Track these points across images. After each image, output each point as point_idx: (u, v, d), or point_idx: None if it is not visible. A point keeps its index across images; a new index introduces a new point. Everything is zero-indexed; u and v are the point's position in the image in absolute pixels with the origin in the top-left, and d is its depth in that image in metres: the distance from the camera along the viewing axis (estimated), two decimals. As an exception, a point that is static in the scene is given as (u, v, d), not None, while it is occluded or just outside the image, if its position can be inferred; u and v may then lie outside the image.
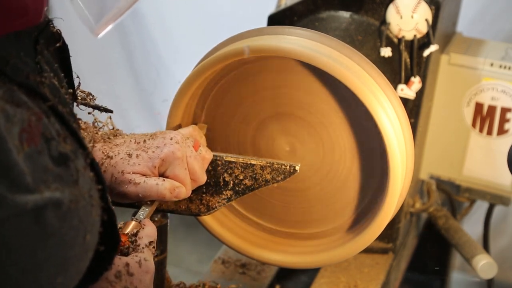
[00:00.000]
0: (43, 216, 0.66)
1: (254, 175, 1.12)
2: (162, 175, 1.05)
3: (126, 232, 0.96)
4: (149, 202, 1.04)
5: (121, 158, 1.03)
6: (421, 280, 1.82)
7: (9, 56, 0.71)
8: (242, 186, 1.13)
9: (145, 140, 1.06)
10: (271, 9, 1.40)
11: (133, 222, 0.98)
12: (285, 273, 1.45)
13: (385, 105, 1.07)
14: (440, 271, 1.82)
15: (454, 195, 1.55)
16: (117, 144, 1.06)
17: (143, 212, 1.02)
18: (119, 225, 0.95)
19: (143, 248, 0.93)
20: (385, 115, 1.05)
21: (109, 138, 1.07)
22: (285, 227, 1.22)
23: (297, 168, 1.14)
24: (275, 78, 1.14)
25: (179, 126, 1.16)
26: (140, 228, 0.97)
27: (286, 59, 1.08)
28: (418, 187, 1.54)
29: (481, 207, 1.83)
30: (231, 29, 1.19)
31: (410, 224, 1.55)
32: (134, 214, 1.01)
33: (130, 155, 1.04)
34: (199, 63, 1.14)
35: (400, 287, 1.50)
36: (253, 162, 1.13)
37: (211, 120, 1.19)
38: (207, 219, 1.19)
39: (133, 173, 1.03)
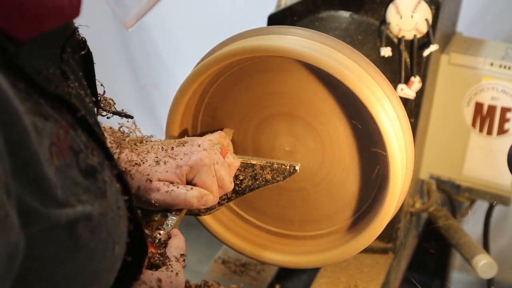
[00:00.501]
0: (75, 230, 0.66)
1: (254, 175, 1.13)
2: (189, 182, 1.04)
3: (155, 243, 0.96)
4: (177, 211, 1.04)
5: (149, 165, 1.03)
6: (421, 280, 1.82)
7: (39, 65, 0.70)
8: (242, 186, 1.13)
9: (172, 147, 1.06)
10: (271, 9, 1.40)
11: (161, 232, 0.98)
12: (285, 273, 1.45)
13: (385, 105, 1.07)
14: (440, 271, 1.82)
15: (454, 195, 1.55)
16: (144, 151, 1.05)
17: (171, 222, 1.02)
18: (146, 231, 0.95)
19: (173, 261, 0.92)
20: (385, 115, 1.05)
21: (135, 144, 1.06)
22: (285, 227, 1.22)
23: (297, 168, 1.14)
24: (275, 78, 1.14)
25: (179, 126, 1.16)
26: (169, 238, 0.97)
27: (286, 59, 1.08)
28: (418, 187, 1.54)
29: (481, 207, 1.83)
30: (231, 29, 1.19)
31: (410, 224, 1.55)
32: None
33: (157, 162, 1.03)
34: (199, 63, 1.14)
35: (400, 287, 1.50)
36: (253, 162, 1.13)
37: (211, 120, 1.19)
38: (207, 219, 1.19)
39: (160, 180, 1.02)
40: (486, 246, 1.70)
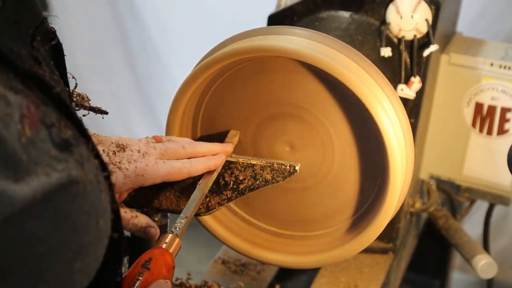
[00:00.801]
0: (52, 200, 0.66)
1: (254, 175, 1.12)
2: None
3: (164, 246, 0.96)
4: (185, 216, 1.04)
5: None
6: (421, 280, 1.82)
7: (12, 45, 0.71)
8: (242, 186, 1.13)
9: (114, 151, 1.04)
10: (271, 9, 1.40)
11: (170, 235, 0.98)
12: (285, 273, 1.45)
13: (385, 105, 1.07)
14: (440, 271, 1.82)
15: (454, 195, 1.55)
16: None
17: (179, 225, 1.01)
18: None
19: None
20: (385, 115, 1.05)
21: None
22: (285, 227, 1.22)
23: (297, 168, 1.14)
24: (275, 78, 1.14)
25: (179, 126, 1.16)
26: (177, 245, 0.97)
27: (286, 59, 1.08)
28: (418, 187, 1.54)
29: (481, 207, 1.84)
30: (231, 29, 1.19)
31: (410, 224, 1.55)
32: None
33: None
34: (199, 63, 1.14)
35: (400, 287, 1.50)
36: (253, 162, 1.13)
37: (211, 120, 1.19)
38: (207, 219, 1.19)
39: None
40: (486, 246, 1.70)
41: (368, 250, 1.37)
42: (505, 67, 1.43)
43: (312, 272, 1.40)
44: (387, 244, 1.43)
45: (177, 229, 1.00)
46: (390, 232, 1.42)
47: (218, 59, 1.08)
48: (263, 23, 1.37)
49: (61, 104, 0.73)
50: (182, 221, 1.02)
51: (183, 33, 2.55)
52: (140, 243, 1.14)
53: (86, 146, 0.73)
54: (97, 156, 0.76)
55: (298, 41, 1.08)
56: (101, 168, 0.75)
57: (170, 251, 0.96)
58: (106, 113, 1.03)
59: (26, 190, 0.63)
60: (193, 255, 1.62)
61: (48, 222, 0.66)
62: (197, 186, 1.09)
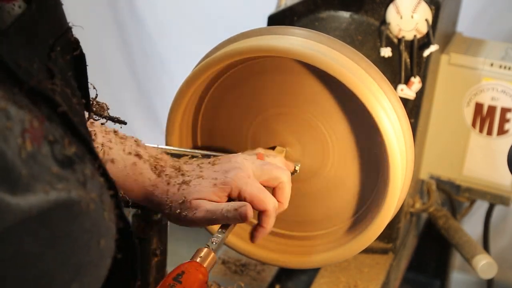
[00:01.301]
0: (49, 218, 0.64)
1: (254, 175, 1.12)
2: (236, 199, 1.05)
3: (198, 260, 0.95)
4: (223, 229, 1.03)
5: (193, 184, 1.04)
6: (421, 280, 1.82)
7: (21, 59, 0.70)
8: (242, 186, 1.13)
9: (209, 164, 1.07)
10: (271, 9, 1.40)
11: (205, 249, 0.98)
12: (285, 273, 1.45)
13: (385, 105, 1.07)
14: (440, 271, 1.82)
15: (454, 195, 1.55)
16: (189, 170, 1.07)
17: (216, 239, 1.01)
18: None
19: None
20: (385, 115, 1.05)
21: (185, 163, 1.09)
22: (285, 227, 1.22)
23: (297, 168, 1.14)
24: (275, 78, 1.14)
25: (179, 126, 1.16)
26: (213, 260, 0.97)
27: (286, 59, 1.08)
28: (418, 187, 1.54)
29: (481, 207, 1.83)
30: (231, 29, 1.19)
31: (410, 224, 1.55)
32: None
33: (198, 182, 1.04)
34: (199, 63, 1.14)
35: (400, 287, 1.50)
36: (253, 162, 1.13)
37: (211, 120, 1.19)
38: (207, 219, 1.19)
39: (199, 199, 1.03)
40: (486, 246, 1.70)
41: (368, 250, 1.37)
42: (505, 67, 1.43)
43: (312, 272, 1.40)
44: (387, 244, 1.43)
45: (214, 243, 1.00)
46: (390, 232, 1.42)
47: (218, 59, 1.08)
48: (263, 23, 1.37)
49: (67, 121, 0.72)
50: (219, 235, 1.02)
51: (183, 33, 2.55)
52: (140, 243, 1.14)
53: (91, 164, 0.72)
54: (104, 174, 0.75)
55: (298, 41, 1.08)
56: (107, 187, 0.74)
57: (204, 265, 0.96)
58: (124, 123, 1.04)
59: (22, 204, 0.62)
60: (193, 255, 1.62)
61: (44, 241, 0.65)
62: None
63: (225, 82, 1.16)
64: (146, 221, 1.17)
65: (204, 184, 1.04)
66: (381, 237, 1.22)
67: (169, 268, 1.20)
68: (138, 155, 1.06)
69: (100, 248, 0.71)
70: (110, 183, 0.75)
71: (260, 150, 1.14)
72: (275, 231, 1.22)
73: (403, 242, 1.50)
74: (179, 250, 1.38)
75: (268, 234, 1.22)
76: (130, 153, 1.06)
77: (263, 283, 1.39)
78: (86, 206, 0.68)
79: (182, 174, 1.06)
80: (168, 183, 1.05)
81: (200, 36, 2.39)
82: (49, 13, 0.76)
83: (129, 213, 1.19)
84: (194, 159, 1.12)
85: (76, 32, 0.82)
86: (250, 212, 1.02)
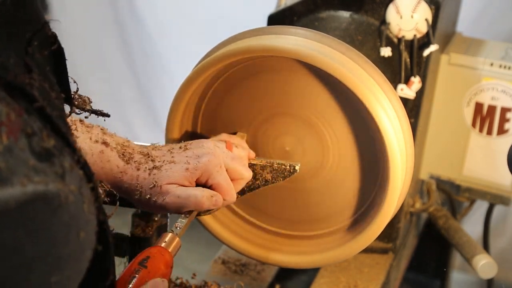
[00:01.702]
0: (27, 210, 0.64)
1: (254, 175, 1.13)
2: (203, 185, 1.06)
3: (163, 245, 0.96)
4: (186, 214, 1.04)
5: (164, 169, 1.04)
6: (421, 280, 1.82)
7: None
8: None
9: (181, 149, 1.07)
10: (271, 9, 1.40)
11: (170, 234, 0.98)
12: (285, 273, 1.45)
13: (385, 105, 1.07)
14: (440, 271, 1.82)
15: (454, 195, 1.55)
16: (159, 155, 1.07)
17: (180, 224, 1.02)
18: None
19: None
20: (385, 115, 1.05)
21: (153, 149, 1.09)
22: (285, 227, 1.22)
23: (297, 168, 1.14)
24: (275, 78, 1.14)
25: (179, 126, 1.16)
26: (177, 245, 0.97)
27: (286, 59, 1.08)
28: (418, 187, 1.54)
29: (481, 207, 1.83)
30: (231, 29, 1.19)
31: (410, 224, 1.55)
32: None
33: (170, 166, 1.05)
34: (199, 63, 1.13)
35: (400, 287, 1.50)
36: (253, 162, 1.13)
37: (211, 120, 1.19)
38: (207, 219, 1.19)
39: (170, 184, 1.03)
40: (486, 246, 1.70)
41: (368, 250, 1.37)
42: (505, 67, 1.43)
43: (312, 272, 1.40)
44: (387, 244, 1.43)
45: (178, 228, 1.01)
46: (390, 232, 1.42)
47: (218, 59, 1.08)
48: (263, 23, 1.37)
49: (45, 116, 0.72)
50: (183, 220, 1.02)
51: (183, 33, 2.55)
52: (140, 243, 1.15)
53: (71, 157, 0.72)
54: (83, 167, 0.75)
55: (298, 41, 1.08)
56: (86, 179, 0.74)
57: (169, 250, 0.96)
58: (108, 115, 1.04)
59: (1, 196, 0.62)
60: (193, 255, 1.62)
61: (22, 233, 0.64)
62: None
63: (225, 82, 1.16)
64: (146, 221, 1.17)
65: (176, 169, 1.04)
66: (381, 237, 1.23)
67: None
68: (105, 143, 1.06)
69: (80, 240, 0.70)
70: (89, 176, 0.75)
71: (225, 137, 1.14)
72: (275, 231, 1.22)
73: (403, 242, 1.50)
74: (179, 250, 1.38)
75: (268, 234, 1.23)
76: (97, 141, 1.05)
77: (263, 283, 1.39)
78: (65, 199, 0.68)
79: (152, 160, 1.06)
80: (138, 169, 1.05)
81: (200, 36, 2.38)
82: (24, 8, 0.77)
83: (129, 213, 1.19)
84: (163, 145, 1.12)
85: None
86: (221, 202, 1.05)
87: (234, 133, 1.18)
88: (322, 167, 1.17)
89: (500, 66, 1.43)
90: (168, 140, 1.17)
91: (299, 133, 1.16)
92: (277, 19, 1.37)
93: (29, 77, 0.73)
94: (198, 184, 1.06)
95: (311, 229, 1.21)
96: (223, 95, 1.17)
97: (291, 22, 1.35)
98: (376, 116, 1.04)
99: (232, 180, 1.09)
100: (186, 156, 1.06)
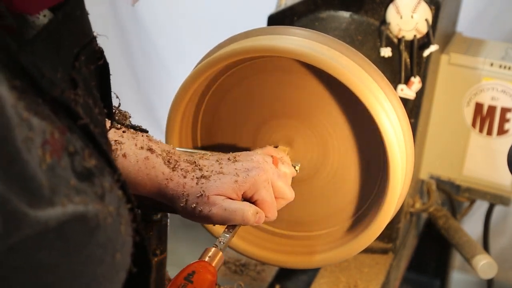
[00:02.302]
0: (66, 231, 0.64)
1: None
2: (248, 199, 1.05)
3: (207, 260, 0.96)
4: (229, 228, 1.04)
5: (213, 180, 1.03)
6: (421, 280, 1.82)
7: (45, 68, 0.69)
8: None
9: (229, 160, 1.06)
10: (271, 9, 1.40)
11: (213, 249, 0.98)
12: (285, 273, 1.45)
13: (385, 105, 1.07)
14: (440, 271, 1.82)
15: (454, 195, 1.55)
16: (207, 165, 1.06)
17: (223, 239, 1.01)
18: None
19: None
20: (385, 115, 1.05)
21: (200, 158, 1.08)
22: (285, 227, 1.22)
23: (297, 168, 1.14)
24: (275, 78, 1.14)
25: (179, 127, 1.16)
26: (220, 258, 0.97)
27: (286, 59, 1.08)
28: (418, 187, 1.54)
29: (481, 207, 1.84)
30: (231, 29, 1.19)
31: (410, 224, 1.55)
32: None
33: (218, 177, 1.04)
34: (199, 63, 1.14)
35: (400, 287, 1.50)
36: (253, 162, 1.13)
37: (211, 120, 1.19)
38: (207, 219, 1.19)
39: (218, 195, 1.02)
40: (486, 246, 1.70)
41: (368, 250, 1.37)
42: (505, 67, 1.43)
43: (312, 272, 1.40)
44: (387, 244, 1.43)
45: (221, 243, 1.00)
46: (390, 232, 1.42)
47: (218, 59, 1.08)
48: (263, 23, 1.37)
49: (87, 133, 0.71)
50: (227, 235, 1.02)
51: (183, 33, 2.55)
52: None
53: (111, 176, 0.72)
54: (123, 186, 0.74)
55: (298, 41, 1.08)
56: (125, 200, 0.74)
57: (213, 265, 0.96)
58: (146, 131, 1.04)
59: (40, 217, 0.61)
60: (193, 255, 1.62)
61: (58, 253, 0.64)
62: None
63: (225, 82, 1.16)
64: (146, 221, 1.17)
65: (224, 180, 1.03)
66: (381, 237, 1.23)
67: (169, 268, 1.20)
68: (150, 150, 1.05)
69: (115, 261, 0.70)
70: (128, 196, 0.75)
71: (270, 150, 1.13)
72: (275, 231, 1.22)
73: (403, 242, 1.50)
74: (179, 250, 1.38)
75: (268, 234, 1.23)
76: (142, 148, 1.05)
77: (263, 283, 1.39)
78: (103, 220, 0.68)
79: (200, 169, 1.04)
80: (185, 177, 1.04)
81: (200, 36, 2.39)
82: (74, 23, 0.76)
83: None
84: (209, 154, 1.11)
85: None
86: (263, 219, 1.04)
87: (276, 146, 1.17)
88: (322, 168, 1.17)
89: (500, 66, 1.43)
90: (169, 140, 1.17)
91: (299, 133, 1.16)
92: (277, 19, 1.37)
93: (74, 93, 0.72)
94: (243, 198, 1.05)
95: (311, 229, 1.21)
96: (223, 95, 1.17)
97: (291, 22, 1.35)
98: (376, 116, 1.04)
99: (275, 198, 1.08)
100: (235, 168, 1.04)
